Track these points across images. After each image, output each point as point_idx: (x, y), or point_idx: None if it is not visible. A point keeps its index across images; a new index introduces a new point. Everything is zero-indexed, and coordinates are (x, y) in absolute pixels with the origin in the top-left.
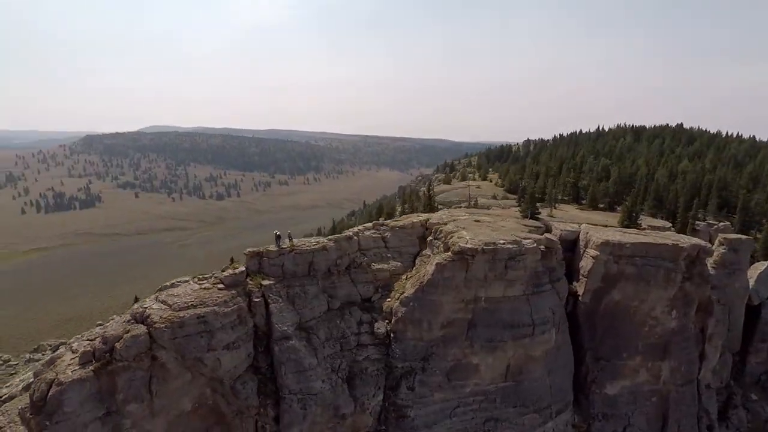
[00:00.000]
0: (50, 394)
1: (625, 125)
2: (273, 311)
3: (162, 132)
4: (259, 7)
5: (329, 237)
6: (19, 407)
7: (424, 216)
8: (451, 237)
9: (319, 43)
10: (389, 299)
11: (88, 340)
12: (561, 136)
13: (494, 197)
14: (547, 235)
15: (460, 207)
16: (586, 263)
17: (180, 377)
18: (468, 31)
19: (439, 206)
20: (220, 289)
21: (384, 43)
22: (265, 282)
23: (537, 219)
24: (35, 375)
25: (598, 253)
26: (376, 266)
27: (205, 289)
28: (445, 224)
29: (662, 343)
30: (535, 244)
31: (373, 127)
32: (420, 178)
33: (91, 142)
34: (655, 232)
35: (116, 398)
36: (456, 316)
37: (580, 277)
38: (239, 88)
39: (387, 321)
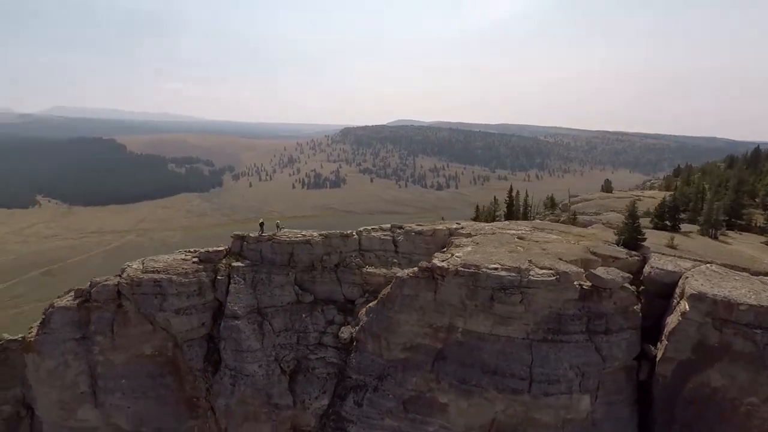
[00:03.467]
0: (47, 312)
1: None
2: (231, 291)
3: (401, 126)
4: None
5: (323, 232)
6: None
7: (454, 224)
8: (450, 253)
9: (563, 33)
10: (367, 306)
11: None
12: None
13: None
14: (599, 270)
15: (545, 219)
16: (671, 320)
17: (139, 326)
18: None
19: (577, 216)
20: (193, 262)
21: (635, 26)
22: (236, 264)
23: (638, 247)
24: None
25: (689, 309)
26: (369, 269)
27: (182, 260)
28: (466, 236)
29: None
30: (555, 278)
31: (617, 122)
32: (651, 182)
33: (347, 134)
34: None
35: (90, 329)
36: (422, 342)
37: (662, 338)
38: (473, 82)
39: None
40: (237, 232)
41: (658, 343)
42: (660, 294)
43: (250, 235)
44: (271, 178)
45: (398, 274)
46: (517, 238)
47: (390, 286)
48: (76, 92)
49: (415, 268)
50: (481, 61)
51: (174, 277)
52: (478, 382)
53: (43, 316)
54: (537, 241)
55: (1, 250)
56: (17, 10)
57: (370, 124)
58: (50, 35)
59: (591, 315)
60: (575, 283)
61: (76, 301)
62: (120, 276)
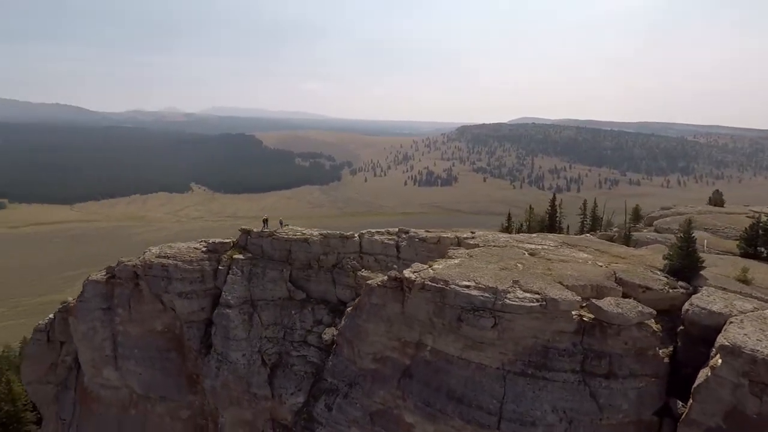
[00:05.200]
0: (84, 283)
1: None
2: (228, 281)
3: (521, 123)
4: None
5: (323, 232)
6: None
7: (467, 233)
8: (430, 263)
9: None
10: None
11: None
12: None
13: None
14: (605, 301)
15: (606, 233)
16: (702, 374)
17: (151, 304)
18: None
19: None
20: (202, 251)
21: None
22: (237, 256)
23: (693, 277)
24: None
25: (720, 364)
26: (363, 273)
27: (194, 248)
28: (471, 247)
29: None
30: (538, 304)
31: None
32: None
33: (463, 132)
34: None
35: (113, 301)
36: (390, 355)
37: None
38: (607, 74)
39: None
40: (244, 227)
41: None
42: (702, 339)
43: (254, 230)
44: (385, 174)
45: (368, 282)
46: (528, 253)
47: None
48: (230, 93)
49: (385, 277)
50: (618, 48)
51: (180, 264)
52: (443, 408)
53: (82, 287)
54: (549, 259)
55: (160, 227)
56: (180, 23)
57: (488, 122)
58: (206, 43)
59: (589, 353)
60: (573, 313)
61: (105, 277)
62: (139, 258)
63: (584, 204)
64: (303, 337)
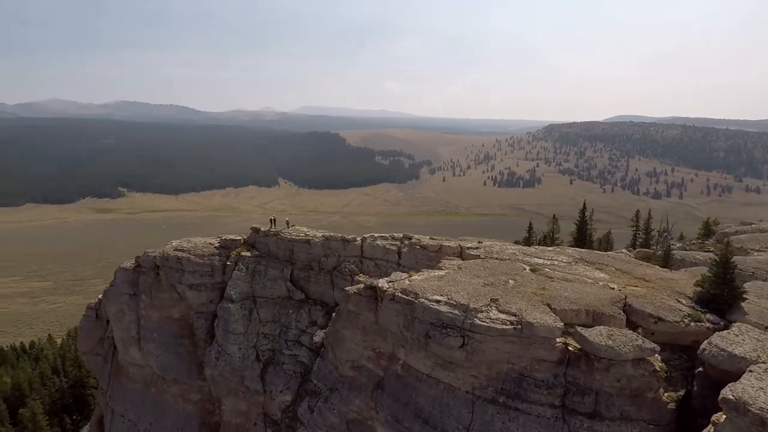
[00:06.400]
0: (116, 270)
1: None
2: (233, 276)
3: (618, 122)
4: None
5: (325, 234)
6: None
7: (474, 242)
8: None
9: None
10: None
11: None
12: None
13: None
14: (594, 331)
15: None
16: (708, 428)
17: (168, 293)
18: None
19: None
20: (214, 247)
21: None
22: (244, 253)
23: (728, 310)
24: None
25: (723, 421)
26: (359, 278)
27: (209, 243)
28: (471, 258)
29: None
30: (512, 327)
31: None
32: None
33: (551, 131)
34: None
35: (138, 288)
36: (366, 364)
37: None
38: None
39: None
40: (255, 225)
41: None
42: (722, 384)
43: (262, 228)
44: (464, 174)
45: (345, 288)
46: (530, 269)
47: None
48: (319, 93)
49: (361, 285)
50: (748, 32)
51: (192, 257)
52: (411, 426)
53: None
54: (551, 277)
55: (248, 218)
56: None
57: (580, 120)
58: (298, 46)
59: (572, 388)
60: (558, 341)
61: (133, 265)
62: (160, 250)
63: (637, 214)
64: (297, 336)
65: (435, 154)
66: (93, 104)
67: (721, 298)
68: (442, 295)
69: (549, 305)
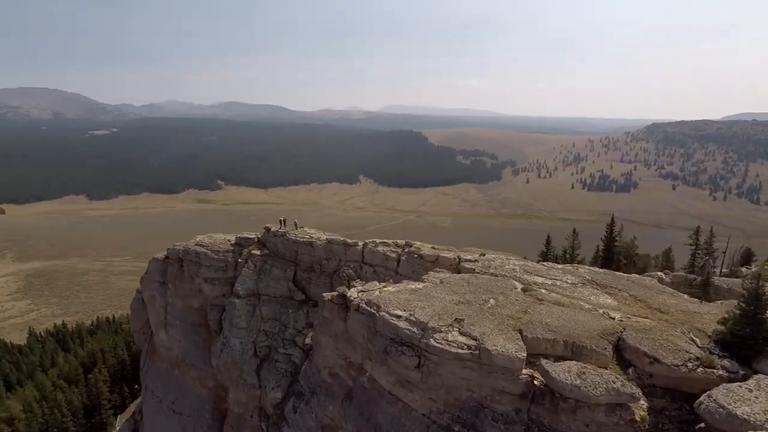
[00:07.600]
0: (149, 261)
1: None
2: (242, 273)
3: (737, 120)
4: None
5: (330, 237)
6: None
7: (476, 255)
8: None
9: None
10: None
11: None
12: None
13: None
14: (562, 366)
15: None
16: None
17: (190, 284)
18: None
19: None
20: (231, 244)
21: None
22: (255, 251)
23: (748, 356)
24: None
25: None
26: (355, 283)
27: (226, 240)
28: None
29: None
30: (467, 351)
31: None
32: None
33: (653, 130)
34: None
35: (167, 277)
36: (338, 372)
37: None
38: None
39: None
40: (267, 225)
41: None
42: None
43: (272, 228)
44: (550, 176)
45: (323, 294)
46: (521, 288)
47: None
48: (404, 92)
49: (335, 292)
50: None
51: (209, 253)
52: None
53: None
54: (541, 300)
55: (328, 213)
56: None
57: (689, 118)
58: (384, 45)
59: (534, 426)
60: (525, 372)
61: (163, 257)
62: (184, 244)
63: (697, 230)
64: (293, 336)
65: (521, 154)
66: (203, 105)
67: (746, 341)
68: (404, 311)
69: (521, 331)
